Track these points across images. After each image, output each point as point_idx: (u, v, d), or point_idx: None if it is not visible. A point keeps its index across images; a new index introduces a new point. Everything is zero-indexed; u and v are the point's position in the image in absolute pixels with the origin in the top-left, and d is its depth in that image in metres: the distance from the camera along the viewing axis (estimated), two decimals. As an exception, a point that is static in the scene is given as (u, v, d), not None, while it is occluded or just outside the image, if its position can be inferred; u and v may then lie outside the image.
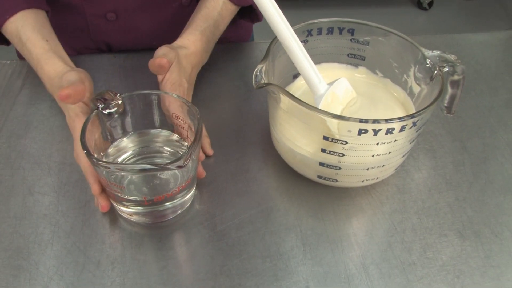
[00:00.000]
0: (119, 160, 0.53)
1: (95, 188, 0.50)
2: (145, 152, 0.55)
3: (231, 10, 0.69)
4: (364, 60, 0.62)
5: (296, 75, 0.62)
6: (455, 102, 0.56)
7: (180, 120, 0.51)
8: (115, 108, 0.49)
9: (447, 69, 0.53)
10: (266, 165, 0.59)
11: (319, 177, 0.53)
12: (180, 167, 0.43)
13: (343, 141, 0.47)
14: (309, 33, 0.59)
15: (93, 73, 0.71)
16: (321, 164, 0.51)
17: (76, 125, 0.53)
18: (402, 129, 0.47)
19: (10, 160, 0.59)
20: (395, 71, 0.60)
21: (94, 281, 0.48)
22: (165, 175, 0.51)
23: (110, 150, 0.53)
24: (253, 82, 0.49)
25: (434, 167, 0.60)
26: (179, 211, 0.53)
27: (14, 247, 0.50)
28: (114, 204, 0.52)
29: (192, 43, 0.63)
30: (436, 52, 0.54)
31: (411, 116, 0.46)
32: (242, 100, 0.68)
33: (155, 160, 0.55)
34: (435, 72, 0.53)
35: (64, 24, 0.72)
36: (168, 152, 0.55)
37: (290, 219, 0.53)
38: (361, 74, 0.62)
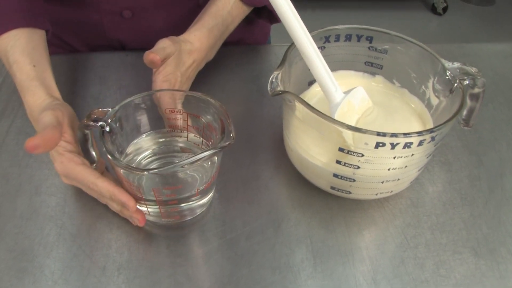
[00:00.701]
0: (138, 158, 0.53)
1: (132, 205, 0.48)
2: (164, 152, 0.54)
3: (242, 10, 0.67)
4: (381, 68, 0.60)
5: (311, 82, 0.60)
6: (473, 115, 0.54)
7: (175, 114, 0.51)
8: (113, 121, 0.48)
9: (467, 82, 0.51)
10: (278, 173, 0.58)
11: (333, 188, 0.52)
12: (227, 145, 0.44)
13: (359, 153, 0.46)
14: (327, 39, 0.57)
15: (104, 71, 0.71)
16: (335, 175, 0.50)
17: (66, 165, 0.50)
18: (420, 143, 0.45)
19: (18, 158, 0.58)
20: (413, 81, 0.58)
21: (99, 286, 0.47)
22: (187, 175, 0.50)
23: (129, 149, 0.52)
24: (269, 89, 0.48)
25: (450, 181, 0.58)
26: (199, 212, 0.53)
27: (19, 249, 0.49)
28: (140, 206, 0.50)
29: (198, 39, 0.62)
30: (456, 64, 0.53)
31: (430, 130, 0.45)
32: (255, 105, 0.67)
33: (174, 160, 0.54)
34: (455, 84, 0.51)
35: (78, 19, 0.71)
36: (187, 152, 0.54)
37: (301, 229, 0.52)
38: (378, 83, 0.61)
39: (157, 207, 0.48)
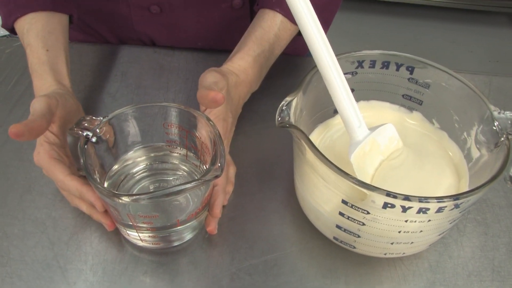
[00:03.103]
0: (131, 173, 0.49)
1: (100, 205, 0.45)
2: (154, 169, 0.50)
3: (290, 31, 0.59)
4: (421, 104, 0.52)
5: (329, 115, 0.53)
6: None
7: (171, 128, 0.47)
8: (102, 133, 0.44)
9: None
10: (284, 207, 0.52)
11: (336, 239, 0.46)
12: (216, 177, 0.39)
13: (364, 210, 0.39)
14: (360, 64, 0.50)
15: (127, 66, 0.67)
16: (338, 227, 0.43)
17: (41, 157, 0.47)
18: (439, 210, 0.38)
19: (21, 151, 0.56)
20: (455, 125, 0.50)
21: (63, 306, 0.43)
22: (181, 199, 0.46)
23: (116, 166, 0.48)
24: (276, 118, 0.42)
25: (482, 247, 0.50)
26: (188, 238, 0.48)
27: (-6, 249, 0.47)
28: (118, 226, 0.47)
29: (243, 70, 0.55)
30: (508, 114, 0.44)
31: (454, 197, 0.37)
32: (274, 125, 0.61)
33: (167, 178, 0.50)
34: (502, 138, 0.43)
35: (108, 10, 0.68)
36: (178, 169, 0.50)
37: (294, 278, 0.46)
38: (414, 120, 0.53)
39: (135, 231, 0.44)
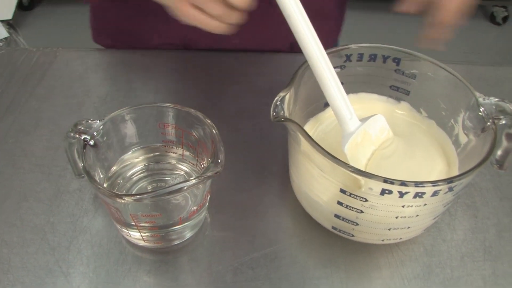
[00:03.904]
0: (128, 174, 0.49)
1: None
2: (155, 169, 0.50)
3: None
4: (408, 95, 0.54)
5: (328, 103, 0.55)
6: (509, 158, 0.47)
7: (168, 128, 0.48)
8: (100, 135, 0.44)
9: (504, 122, 0.44)
10: (281, 201, 0.53)
11: (334, 228, 0.47)
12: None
13: (362, 197, 0.40)
14: (348, 58, 0.52)
15: (115, 70, 0.67)
16: (337, 216, 0.44)
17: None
18: (434, 193, 0.39)
19: (13, 158, 0.56)
20: (442, 113, 0.52)
21: (69, 310, 0.44)
22: (180, 197, 0.47)
23: (114, 168, 0.49)
24: (271, 113, 0.43)
25: (473, 229, 0.51)
26: (188, 236, 0.49)
27: (-5, 257, 0.47)
28: (120, 227, 0.47)
29: None
30: (492, 100, 0.46)
31: (448, 181, 0.38)
32: (268, 121, 0.62)
33: (165, 178, 0.50)
34: (488, 123, 0.45)
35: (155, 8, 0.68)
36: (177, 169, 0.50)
37: (295, 270, 0.47)
38: (403, 110, 0.55)
39: (138, 231, 0.45)
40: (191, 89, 0.65)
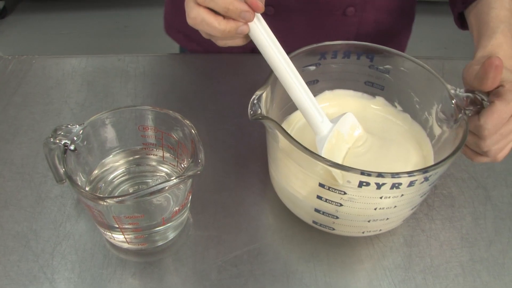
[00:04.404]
0: (110, 178, 0.49)
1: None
2: (135, 172, 0.51)
3: None
4: (383, 90, 0.55)
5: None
6: None
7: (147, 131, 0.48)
8: (80, 140, 0.45)
9: (471, 108, 0.46)
10: (262, 199, 0.54)
11: (315, 222, 0.48)
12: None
13: (341, 191, 0.41)
14: (323, 56, 0.53)
15: (92, 76, 0.67)
16: (317, 210, 0.45)
17: None
18: (411, 184, 0.40)
19: (-8, 167, 0.56)
20: (416, 106, 0.53)
21: (55, 315, 0.44)
22: (161, 198, 0.47)
23: (95, 172, 0.49)
24: (249, 112, 0.44)
25: (450, 218, 0.53)
26: (171, 237, 0.49)
27: (-23, 267, 0.47)
28: (104, 231, 0.47)
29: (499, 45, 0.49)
30: (464, 92, 0.47)
31: (423, 170, 0.40)
32: (246, 121, 0.63)
33: (146, 180, 0.51)
34: (460, 115, 0.46)
35: None
36: (158, 171, 0.51)
37: (279, 265, 0.48)
38: (377, 105, 0.56)
39: (121, 233, 0.45)
40: (169, 92, 0.66)
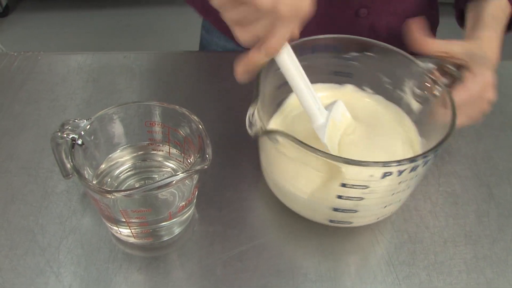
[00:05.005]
0: (116, 173, 0.49)
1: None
2: (142, 167, 0.51)
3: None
4: (351, 77, 0.55)
5: (280, 103, 0.55)
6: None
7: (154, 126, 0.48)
8: (86, 134, 0.45)
9: (446, 81, 0.48)
10: (268, 195, 0.54)
11: (332, 221, 0.48)
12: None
13: (363, 186, 0.42)
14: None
15: (98, 73, 0.67)
16: (335, 209, 0.46)
17: None
18: (425, 163, 0.42)
19: (-1, 162, 0.56)
20: (386, 86, 0.54)
21: (61, 309, 0.44)
22: (167, 192, 0.47)
23: (102, 166, 0.49)
24: (248, 130, 0.42)
25: (454, 215, 0.53)
26: (177, 232, 0.49)
27: (-16, 260, 0.47)
28: (110, 225, 0.47)
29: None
30: (431, 62, 0.49)
31: (435, 150, 0.41)
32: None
33: (152, 176, 0.51)
34: (437, 88, 0.48)
35: None
36: (166, 167, 0.51)
37: (284, 260, 0.48)
38: (348, 93, 0.56)
39: (128, 227, 0.45)
40: (174, 89, 0.66)
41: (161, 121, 0.48)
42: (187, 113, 0.45)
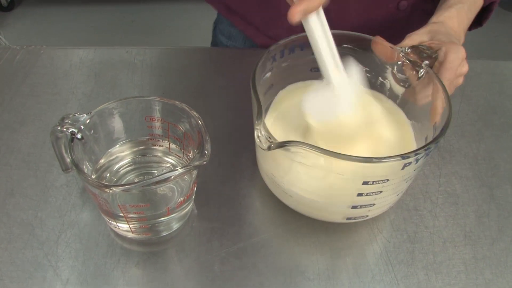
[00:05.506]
0: (115, 167, 0.49)
1: None
2: (141, 162, 0.51)
3: None
4: None
5: (267, 108, 0.54)
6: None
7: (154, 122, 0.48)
8: (86, 129, 0.45)
9: (427, 62, 0.48)
10: (267, 192, 0.54)
11: (349, 218, 0.48)
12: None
13: (384, 180, 0.42)
14: (273, 59, 0.51)
15: (99, 67, 0.67)
16: (354, 207, 0.46)
17: None
18: (434, 148, 0.43)
19: (0, 155, 0.56)
20: (367, 75, 0.53)
21: (59, 302, 0.44)
22: (166, 188, 0.47)
23: (101, 161, 0.49)
24: (261, 146, 0.41)
25: (454, 216, 0.53)
26: (175, 227, 0.49)
27: (-18, 253, 0.47)
28: (108, 220, 0.47)
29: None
30: (407, 47, 0.50)
31: (436, 141, 0.41)
32: (252, 113, 0.63)
33: (151, 171, 0.51)
34: (419, 69, 0.48)
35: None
36: (165, 162, 0.51)
37: (282, 258, 0.48)
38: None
39: (126, 222, 0.45)
40: (176, 85, 0.66)
41: (161, 117, 0.48)
42: (187, 108, 0.45)
